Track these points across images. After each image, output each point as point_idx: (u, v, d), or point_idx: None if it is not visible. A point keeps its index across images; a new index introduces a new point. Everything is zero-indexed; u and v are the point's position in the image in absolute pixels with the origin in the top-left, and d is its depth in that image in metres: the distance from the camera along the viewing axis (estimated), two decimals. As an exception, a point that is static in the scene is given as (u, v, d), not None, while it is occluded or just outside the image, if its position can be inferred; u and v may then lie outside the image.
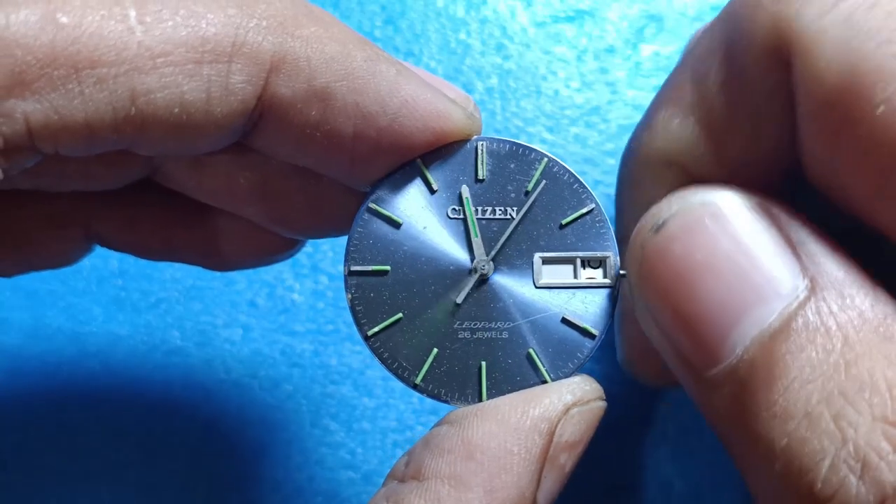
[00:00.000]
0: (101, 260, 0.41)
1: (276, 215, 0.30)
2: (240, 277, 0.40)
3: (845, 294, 0.22)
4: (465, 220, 0.27)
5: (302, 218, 0.30)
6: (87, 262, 0.41)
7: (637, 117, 0.42)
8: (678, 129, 0.27)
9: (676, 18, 0.42)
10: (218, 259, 0.32)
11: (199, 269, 0.40)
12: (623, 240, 0.29)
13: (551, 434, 0.24)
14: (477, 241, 0.27)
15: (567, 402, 0.25)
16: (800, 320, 0.22)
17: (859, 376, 0.20)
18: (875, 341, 0.21)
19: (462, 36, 0.43)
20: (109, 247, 0.32)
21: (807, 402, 0.21)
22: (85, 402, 0.39)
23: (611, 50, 0.42)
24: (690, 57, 0.28)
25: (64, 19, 0.22)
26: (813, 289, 0.22)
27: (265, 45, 0.24)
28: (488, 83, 0.42)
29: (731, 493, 0.37)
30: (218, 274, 0.40)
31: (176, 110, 0.23)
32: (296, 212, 0.30)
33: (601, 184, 0.40)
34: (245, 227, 0.31)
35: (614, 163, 0.41)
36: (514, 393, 0.26)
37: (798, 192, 0.26)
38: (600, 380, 0.36)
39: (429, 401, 0.27)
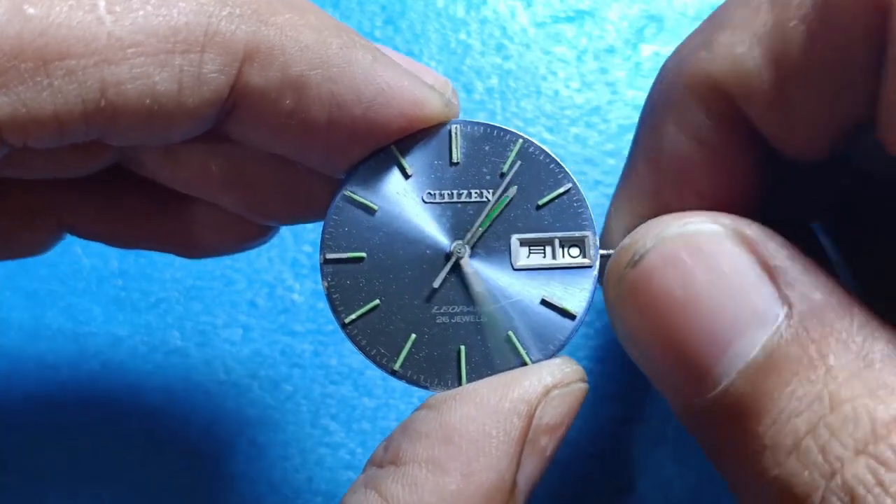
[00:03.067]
0: (101, 260, 0.41)
1: (249, 202, 0.30)
2: (240, 277, 0.40)
3: (825, 320, 0.22)
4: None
5: (275, 205, 0.30)
6: (87, 262, 0.41)
7: (637, 117, 0.42)
8: (743, 57, 0.24)
9: (676, 18, 0.42)
10: (191, 246, 0.32)
11: (200, 269, 0.40)
12: (630, 188, 0.28)
13: (531, 417, 0.24)
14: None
15: (547, 384, 0.25)
16: (781, 351, 0.22)
17: (842, 408, 0.21)
18: (856, 369, 0.21)
19: (462, 36, 0.43)
20: (81, 236, 0.32)
21: (795, 435, 0.21)
22: (85, 402, 0.39)
23: (611, 50, 0.42)
24: None
25: (31, 10, 0.21)
26: (792, 317, 0.22)
27: (238, 34, 0.23)
28: (488, 83, 0.42)
29: (731, 493, 0.37)
30: (218, 274, 0.40)
31: (147, 101, 0.23)
32: (269, 199, 0.29)
33: (601, 184, 0.40)
34: (218, 214, 0.31)
35: (614, 163, 0.41)
36: (493, 376, 0.26)
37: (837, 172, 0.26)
38: (600, 380, 0.36)
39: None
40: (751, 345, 0.22)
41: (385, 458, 0.25)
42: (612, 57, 0.42)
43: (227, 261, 0.40)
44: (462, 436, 0.23)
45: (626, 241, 0.25)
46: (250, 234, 0.32)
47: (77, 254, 0.41)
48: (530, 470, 0.24)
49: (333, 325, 0.36)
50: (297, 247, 0.40)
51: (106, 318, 0.40)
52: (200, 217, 0.31)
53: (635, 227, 0.25)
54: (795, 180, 0.28)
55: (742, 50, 0.24)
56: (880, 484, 0.19)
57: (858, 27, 0.22)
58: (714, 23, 0.25)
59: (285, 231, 0.41)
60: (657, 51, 0.42)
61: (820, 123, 0.24)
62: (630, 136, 0.41)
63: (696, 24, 0.42)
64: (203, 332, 0.40)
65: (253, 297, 0.40)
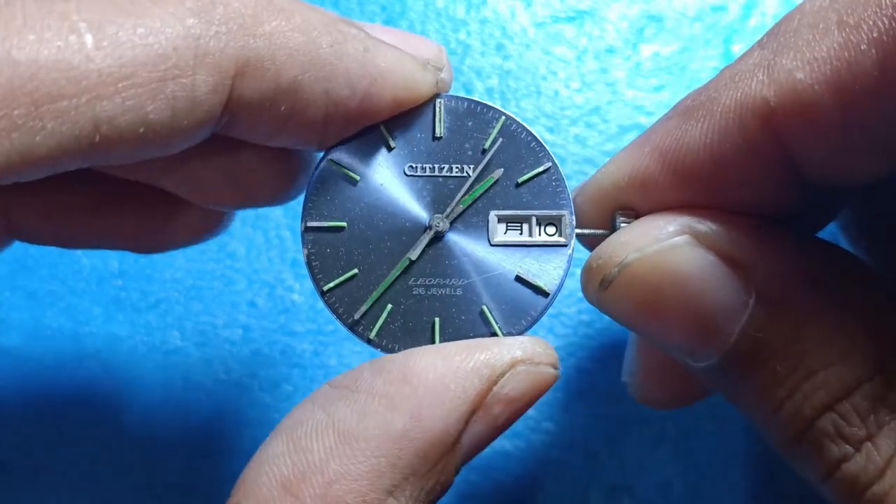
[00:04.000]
0: (101, 260, 0.41)
1: (195, 188, 0.29)
2: (240, 277, 0.40)
3: (792, 299, 0.24)
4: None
5: (223, 189, 0.29)
6: (87, 262, 0.41)
7: (637, 117, 0.42)
8: (802, 84, 0.23)
9: (676, 18, 0.42)
10: (144, 241, 0.32)
11: (200, 269, 0.40)
12: (623, 162, 0.28)
13: (492, 382, 0.25)
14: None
15: (515, 357, 0.25)
16: (758, 334, 0.24)
17: (815, 378, 0.24)
18: (827, 338, 0.24)
19: (462, 36, 0.43)
20: (30, 240, 0.31)
21: (780, 401, 0.24)
22: (85, 402, 0.39)
23: (611, 50, 0.42)
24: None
25: (20, 56, 0.21)
26: (762, 303, 0.24)
27: (228, 51, 0.23)
28: (488, 83, 0.42)
29: (731, 493, 0.37)
30: (218, 274, 0.40)
31: (141, 130, 0.23)
32: (215, 183, 0.29)
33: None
34: (168, 202, 0.30)
35: (614, 163, 0.41)
36: (468, 339, 0.26)
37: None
38: (600, 380, 0.36)
39: None
40: (728, 335, 0.24)
41: (342, 381, 0.25)
42: (612, 57, 0.42)
43: (227, 261, 0.40)
44: (420, 381, 0.24)
45: (591, 263, 0.26)
46: (203, 221, 0.32)
47: (77, 254, 0.41)
48: (477, 433, 0.25)
49: (333, 326, 0.36)
50: (296, 247, 0.40)
51: (106, 318, 0.40)
52: (151, 206, 0.31)
53: (604, 201, 0.27)
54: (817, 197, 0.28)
55: (802, 76, 0.23)
56: (841, 435, 0.23)
57: None
58: (777, 42, 0.24)
59: (285, 231, 0.41)
60: (657, 51, 0.42)
61: (876, 154, 0.23)
62: (630, 136, 0.41)
63: (697, 24, 0.42)
64: (203, 332, 0.40)
65: (253, 297, 0.40)
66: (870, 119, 0.22)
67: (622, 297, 0.26)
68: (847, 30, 0.22)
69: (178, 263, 0.40)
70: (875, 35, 0.21)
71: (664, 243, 0.25)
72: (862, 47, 0.21)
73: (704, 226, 0.25)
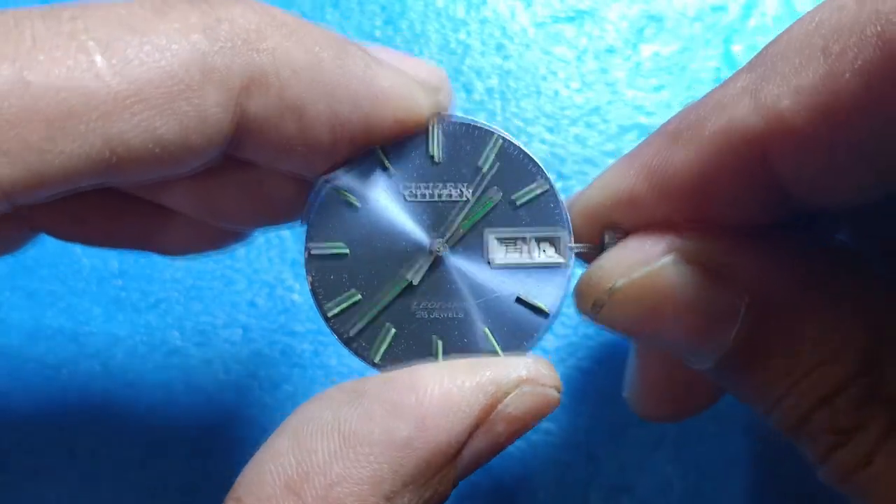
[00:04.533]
0: (101, 260, 0.41)
1: (213, 209, 0.30)
2: (240, 277, 0.40)
3: (780, 305, 0.25)
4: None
5: (239, 210, 0.30)
6: (87, 263, 0.41)
7: (637, 117, 0.42)
8: (787, 111, 0.23)
9: (676, 18, 0.42)
10: (161, 249, 0.32)
11: (200, 269, 0.40)
12: (587, 200, 0.29)
13: (497, 399, 0.25)
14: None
15: (521, 376, 0.25)
16: (751, 340, 0.25)
17: (803, 383, 0.25)
18: (812, 346, 0.25)
19: (462, 36, 0.43)
20: (52, 235, 0.32)
21: (777, 401, 0.25)
22: (85, 402, 0.39)
23: (611, 50, 0.42)
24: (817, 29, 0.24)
25: (31, 77, 0.21)
26: (752, 306, 0.25)
27: (234, 67, 0.24)
28: (488, 83, 0.42)
29: (731, 494, 0.37)
30: (218, 274, 0.40)
31: (152, 147, 0.23)
32: (231, 205, 0.29)
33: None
34: (188, 220, 0.31)
35: (614, 163, 0.41)
36: (475, 358, 0.26)
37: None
38: (600, 380, 0.36)
39: None
40: (724, 341, 0.25)
41: (351, 386, 0.25)
42: (612, 57, 0.42)
43: (227, 261, 0.40)
44: (427, 392, 0.24)
45: (581, 289, 0.27)
46: (218, 238, 0.32)
47: (77, 254, 0.41)
48: (478, 449, 0.25)
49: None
50: (296, 247, 0.40)
51: (106, 318, 0.40)
52: (170, 222, 0.31)
53: (593, 219, 0.28)
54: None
55: (787, 103, 0.23)
56: (835, 430, 0.24)
57: None
58: (763, 67, 0.24)
59: (285, 231, 0.41)
60: (657, 51, 0.42)
61: (862, 181, 0.23)
62: (630, 136, 0.41)
63: (697, 24, 0.42)
64: (203, 332, 0.40)
65: (253, 297, 0.40)
66: (854, 141, 0.22)
67: (615, 318, 0.26)
68: (832, 58, 0.22)
69: (178, 263, 0.40)
70: (859, 64, 0.21)
71: (651, 266, 0.25)
72: (846, 76, 0.21)
73: (689, 243, 0.25)
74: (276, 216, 0.30)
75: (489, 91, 0.42)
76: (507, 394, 0.25)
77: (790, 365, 0.24)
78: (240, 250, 0.40)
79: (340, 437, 0.24)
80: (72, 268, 0.41)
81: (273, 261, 0.40)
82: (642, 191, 0.27)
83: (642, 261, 0.26)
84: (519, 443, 0.38)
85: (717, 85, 0.26)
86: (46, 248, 0.41)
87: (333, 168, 0.27)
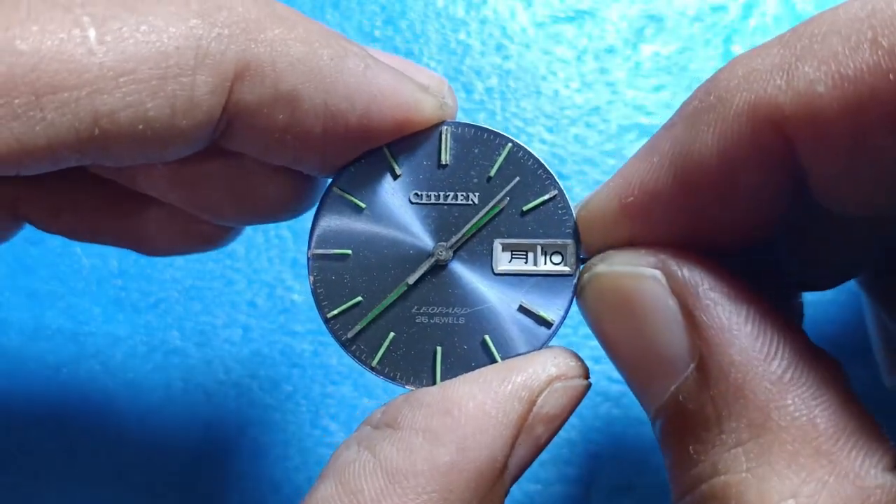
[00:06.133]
0: (101, 260, 0.41)
1: (198, 201, 0.29)
2: (240, 277, 0.40)
3: (732, 380, 0.22)
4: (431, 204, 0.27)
5: (225, 204, 0.29)
6: (87, 262, 0.41)
7: (637, 117, 0.42)
8: (822, 98, 0.21)
9: (676, 18, 0.42)
10: (148, 244, 0.32)
11: (200, 269, 0.40)
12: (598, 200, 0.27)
13: (531, 403, 0.24)
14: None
15: (551, 375, 0.25)
16: (686, 403, 0.23)
17: (716, 482, 0.22)
18: (746, 438, 0.22)
19: (462, 36, 0.43)
20: (40, 228, 0.32)
21: (698, 479, 0.23)
22: (85, 402, 0.39)
23: (611, 50, 0.42)
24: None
25: (22, 46, 0.21)
26: (699, 371, 0.23)
27: (229, 54, 0.23)
28: (488, 83, 0.42)
29: None
30: (218, 274, 0.40)
31: (140, 127, 0.23)
32: (218, 197, 0.29)
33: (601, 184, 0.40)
34: (175, 213, 0.31)
35: (614, 163, 0.41)
36: (500, 362, 0.26)
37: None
38: (600, 380, 0.36)
39: None
40: (664, 390, 0.23)
41: (382, 420, 0.25)
42: (612, 57, 0.42)
43: (227, 261, 0.40)
44: (462, 410, 0.24)
45: (590, 262, 0.26)
46: (208, 234, 0.32)
47: (77, 254, 0.41)
48: (522, 455, 0.25)
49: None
50: (297, 247, 0.40)
51: (106, 318, 0.40)
52: (156, 216, 0.31)
53: (610, 219, 0.26)
54: (834, 232, 0.27)
55: (822, 91, 0.21)
56: None
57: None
58: (801, 44, 0.22)
59: (285, 231, 0.41)
60: (657, 51, 0.42)
61: (882, 187, 0.22)
62: (630, 136, 0.41)
63: (696, 24, 0.42)
64: (203, 332, 0.40)
65: (253, 297, 0.40)
66: (881, 149, 0.21)
67: (589, 307, 0.26)
68: (880, 52, 0.20)
69: (178, 263, 0.40)
70: None
71: (634, 268, 0.24)
72: (891, 76, 0.20)
73: (682, 270, 0.24)
74: (262, 211, 0.30)
75: (489, 91, 0.42)
76: (540, 394, 0.25)
77: (706, 456, 0.22)
78: (240, 250, 0.40)
79: (384, 475, 0.23)
80: (72, 268, 0.41)
81: (273, 261, 0.40)
82: (665, 183, 0.24)
83: (630, 262, 0.25)
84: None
85: (734, 56, 0.24)
86: (46, 248, 0.41)
87: (342, 169, 0.27)
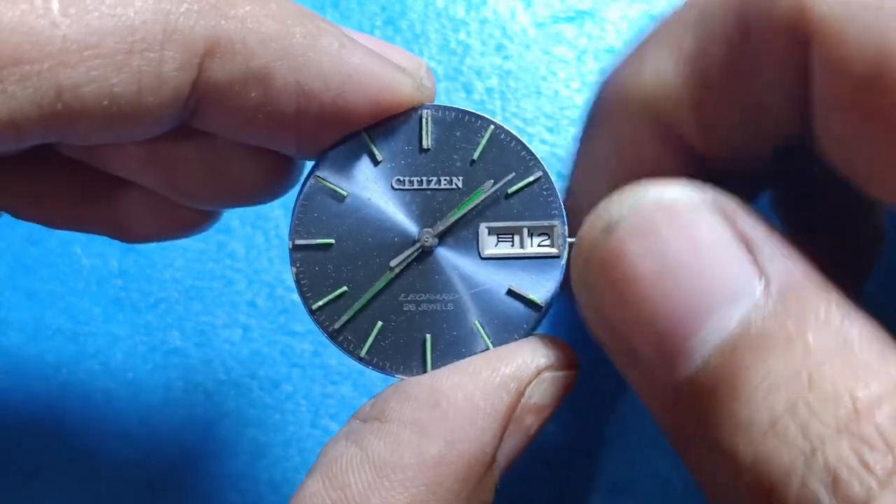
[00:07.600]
0: (101, 260, 0.41)
1: (174, 184, 0.29)
2: (240, 277, 0.40)
3: (803, 297, 0.21)
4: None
5: (201, 186, 0.29)
6: (87, 262, 0.41)
7: (637, 117, 0.42)
8: (669, 77, 0.25)
9: (676, 18, 0.42)
10: (125, 230, 0.31)
11: (200, 268, 0.40)
12: (573, 196, 0.28)
13: (520, 394, 0.24)
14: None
15: (539, 365, 0.25)
16: (758, 326, 0.21)
17: (822, 386, 0.20)
18: (836, 347, 0.20)
19: (462, 36, 0.43)
20: (16, 216, 0.31)
21: (772, 413, 0.20)
22: (85, 402, 0.39)
23: (611, 50, 0.42)
24: (699, 4, 0.25)
25: None
26: (770, 292, 0.21)
27: (198, 29, 0.23)
28: (488, 83, 0.42)
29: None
30: (218, 274, 0.40)
31: (105, 103, 0.22)
32: (193, 179, 0.29)
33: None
34: (150, 197, 0.30)
35: (614, 163, 0.41)
36: (488, 351, 0.26)
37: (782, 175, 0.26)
38: (600, 380, 0.36)
39: None
40: (727, 320, 0.21)
41: (370, 413, 0.25)
42: (613, 57, 0.42)
43: (227, 261, 0.40)
44: (450, 402, 0.23)
45: (600, 208, 0.23)
46: (186, 219, 0.31)
47: (77, 254, 0.41)
48: (511, 446, 0.24)
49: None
50: (297, 247, 0.41)
51: (106, 318, 0.40)
52: (133, 201, 0.30)
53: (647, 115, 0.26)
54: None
55: (667, 72, 0.25)
56: (865, 465, 0.18)
57: (778, 54, 0.22)
58: (647, 43, 0.26)
59: (285, 231, 0.41)
60: (657, 51, 0.42)
61: (745, 141, 0.24)
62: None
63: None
64: (203, 332, 0.40)
65: (253, 297, 0.40)
66: (725, 114, 0.24)
67: (624, 245, 0.22)
68: (701, 32, 0.24)
69: (178, 263, 0.40)
70: (726, 34, 0.23)
71: (683, 196, 0.22)
72: (713, 48, 0.24)
73: (726, 200, 0.22)
74: (239, 193, 0.29)
75: (489, 91, 0.42)
76: (528, 385, 0.24)
77: (795, 371, 0.20)
78: (240, 250, 0.40)
79: (371, 468, 0.23)
80: (72, 268, 0.41)
81: (273, 261, 0.40)
82: (678, 82, 0.25)
83: (672, 190, 0.22)
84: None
85: None
86: (46, 248, 0.41)
87: (321, 154, 0.27)
